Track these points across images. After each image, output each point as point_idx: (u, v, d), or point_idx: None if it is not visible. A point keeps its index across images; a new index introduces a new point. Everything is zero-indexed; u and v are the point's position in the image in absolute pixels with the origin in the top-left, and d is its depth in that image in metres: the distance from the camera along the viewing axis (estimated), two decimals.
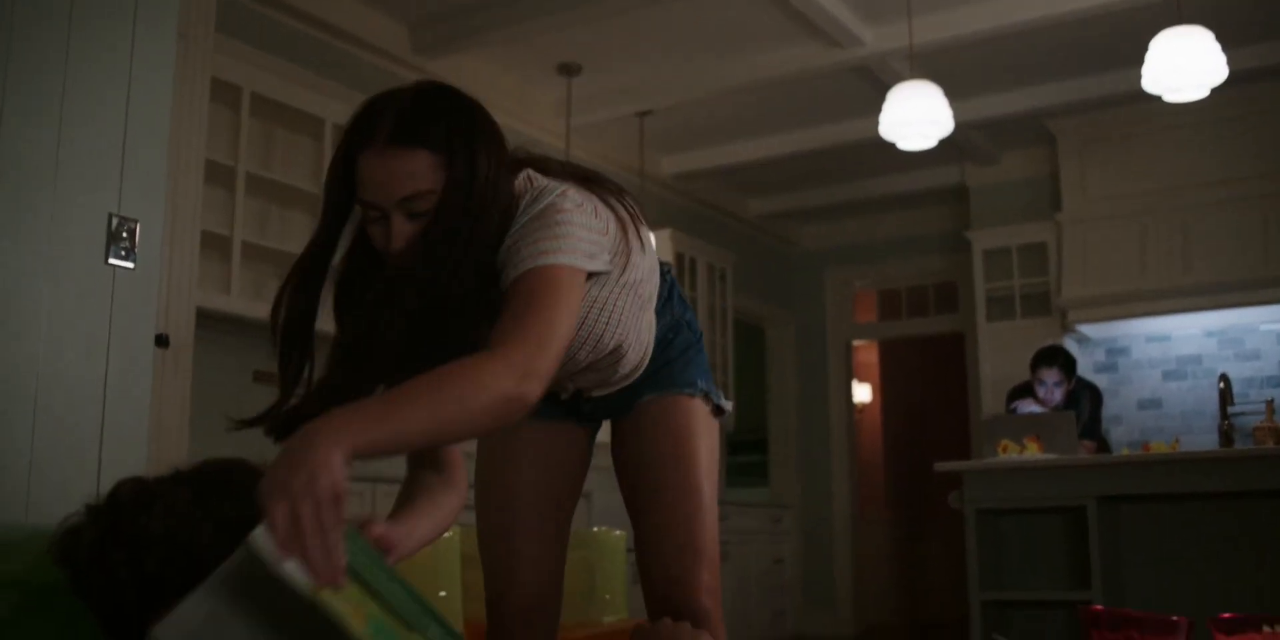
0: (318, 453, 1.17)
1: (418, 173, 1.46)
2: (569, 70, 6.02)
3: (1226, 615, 1.98)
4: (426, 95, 1.52)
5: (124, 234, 2.20)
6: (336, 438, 1.19)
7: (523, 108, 6.36)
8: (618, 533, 2.40)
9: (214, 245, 4.49)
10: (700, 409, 1.89)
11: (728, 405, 1.96)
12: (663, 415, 1.86)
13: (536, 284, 1.49)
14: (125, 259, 2.20)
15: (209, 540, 1.24)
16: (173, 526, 1.23)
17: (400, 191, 1.46)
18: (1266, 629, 1.91)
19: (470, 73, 6.05)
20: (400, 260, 1.49)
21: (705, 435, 1.87)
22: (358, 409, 1.26)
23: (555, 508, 1.93)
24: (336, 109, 5.07)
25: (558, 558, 1.92)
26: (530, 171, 1.64)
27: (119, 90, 2.26)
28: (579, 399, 1.90)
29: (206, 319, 4.26)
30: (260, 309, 4.71)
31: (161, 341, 3.38)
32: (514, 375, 1.35)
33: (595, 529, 2.45)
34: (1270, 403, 6.04)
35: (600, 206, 1.66)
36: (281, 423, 1.48)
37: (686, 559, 1.78)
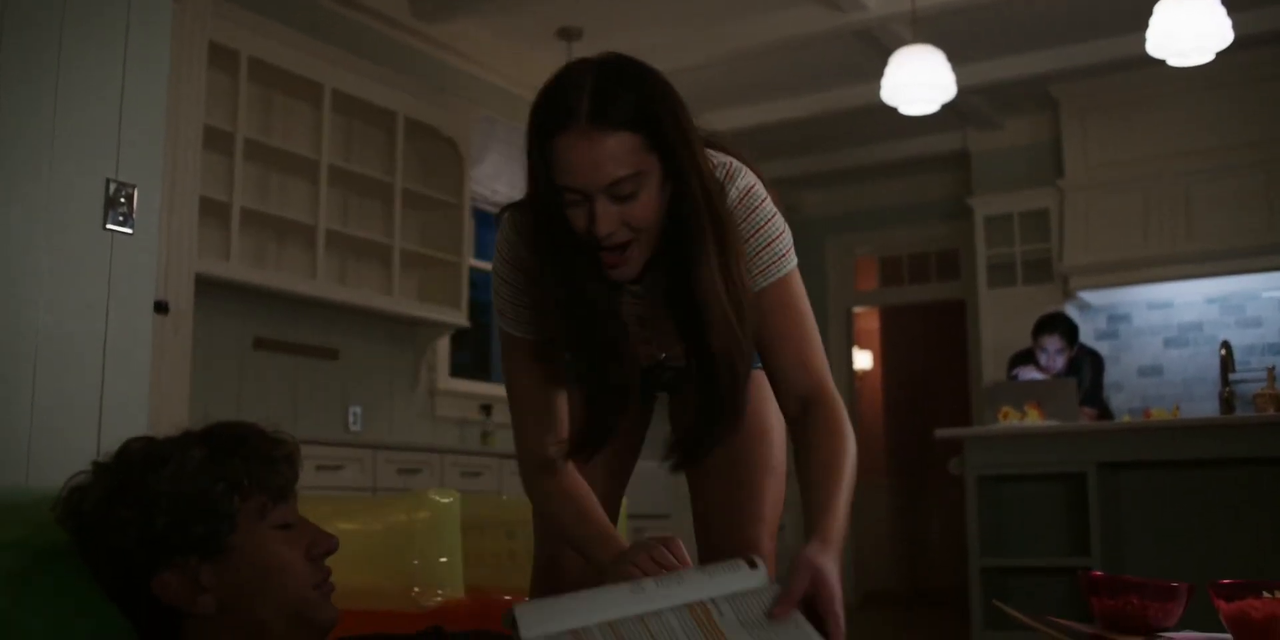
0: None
1: (623, 156, 1.40)
2: (569, 35, 5.98)
3: (1226, 581, 1.98)
4: (617, 71, 1.45)
5: (122, 199, 2.18)
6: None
7: (523, 73, 6.32)
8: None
9: (213, 211, 4.48)
10: (765, 381, 1.81)
11: None
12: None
13: (790, 296, 1.61)
14: (123, 225, 2.18)
15: (220, 500, 1.24)
16: (184, 485, 1.23)
17: (604, 178, 1.40)
18: (1267, 595, 1.91)
19: (470, 38, 6.01)
20: (617, 243, 1.45)
21: (774, 407, 1.82)
22: (842, 527, 1.48)
23: (611, 476, 1.87)
24: (335, 74, 5.04)
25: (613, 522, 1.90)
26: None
27: (115, 54, 2.24)
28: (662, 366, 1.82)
29: (206, 285, 4.25)
30: (260, 275, 4.72)
31: (161, 308, 3.38)
32: (846, 420, 1.60)
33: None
34: (1271, 370, 6.02)
35: (757, 179, 1.64)
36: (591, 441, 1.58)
37: (755, 527, 1.80)
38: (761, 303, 1.59)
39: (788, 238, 1.64)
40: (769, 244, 1.59)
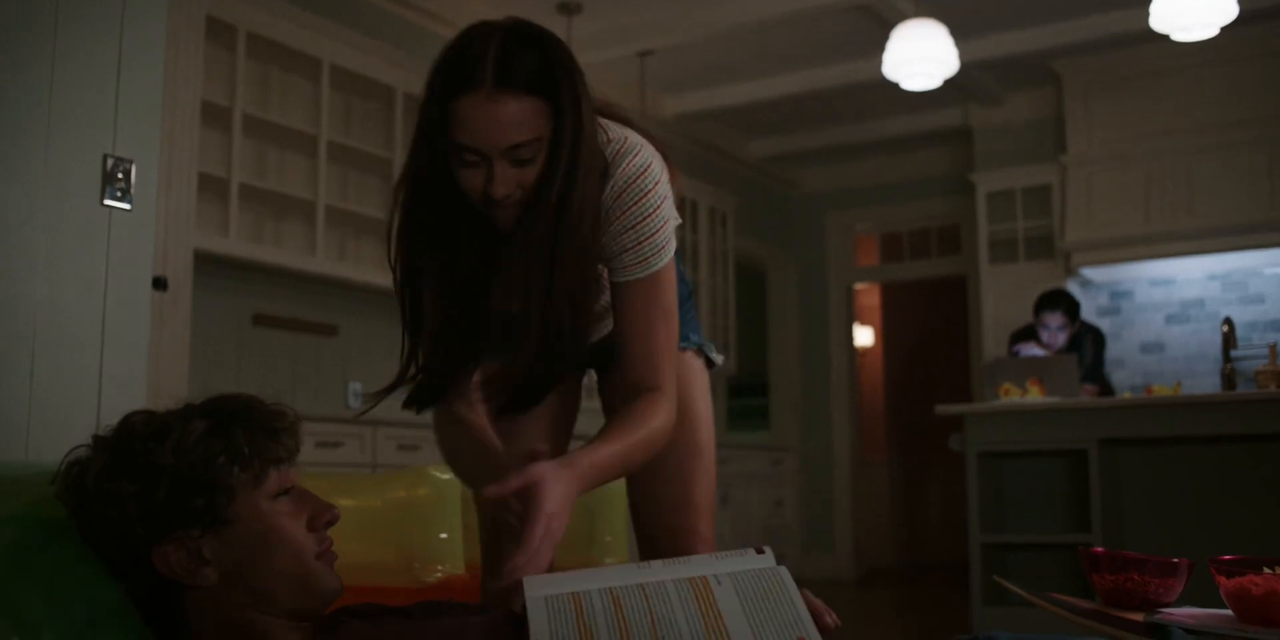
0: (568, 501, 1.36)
1: (526, 120, 1.42)
2: (569, 9, 5.94)
3: (1227, 557, 1.98)
4: (523, 36, 1.46)
5: (119, 175, 2.17)
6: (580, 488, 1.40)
7: None
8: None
9: (211, 187, 4.46)
10: (695, 363, 1.86)
11: (719, 359, 1.93)
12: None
13: (656, 292, 1.57)
14: (121, 200, 2.17)
15: (221, 472, 1.24)
16: (185, 458, 1.23)
17: (508, 139, 1.42)
18: (1267, 570, 1.91)
19: (469, 11, 5.97)
20: (505, 211, 1.47)
21: (701, 389, 1.84)
22: (600, 466, 1.44)
23: (553, 420, 1.84)
24: (334, 49, 5.01)
25: None
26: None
27: (112, 29, 2.22)
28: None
29: (205, 262, 4.24)
30: (259, 251, 4.70)
31: (159, 284, 3.37)
32: (673, 413, 1.57)
33: None
34: (1273, 346, 6.02)
35: (658, 158, 1.61)
36: (419, 398, 1.62)
37: (684, 512, 1.79)
38: (626, 293, 1.58)
39: (670, 229, 1.60)
40: (649, 237, 1.56)
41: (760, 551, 1.31)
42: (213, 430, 1.26)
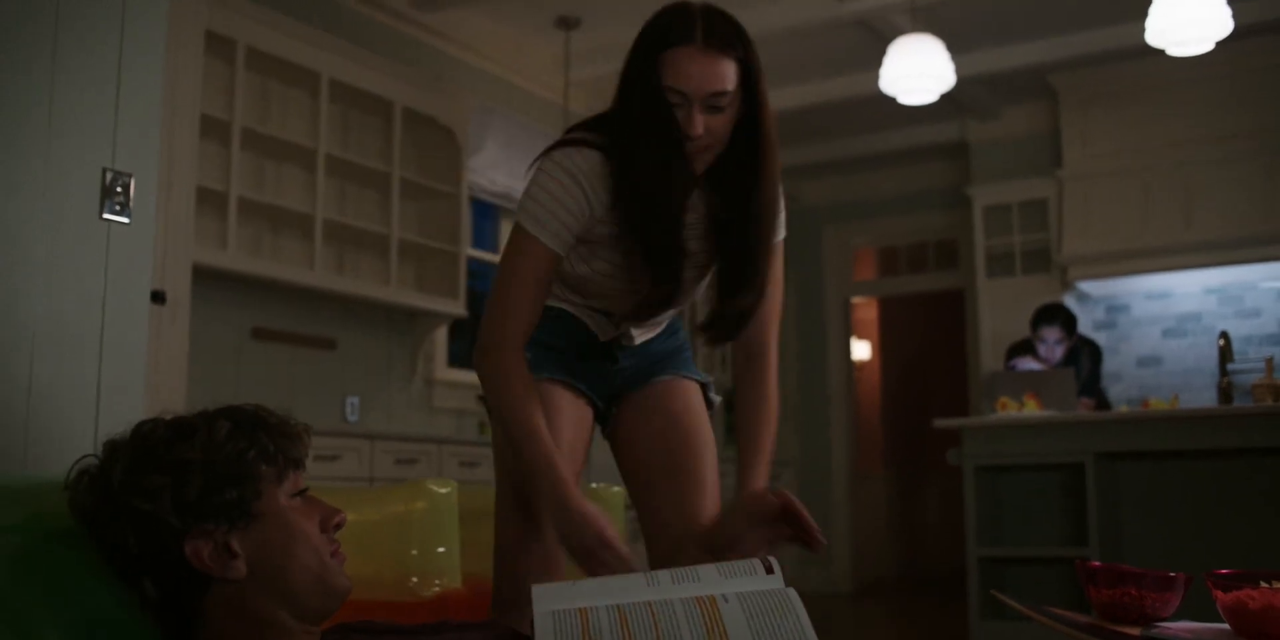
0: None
1: (726, 76, 1.74)
2: (567, 23, 5.96)
3: (1224, 571, 1.98)
4: (729, 17, 1.81)
5: (118, 188, 2.18)
6: None
7: (521, 62, 6.31)
8: (616, 489, 2.40)
9: (210, 201, 4.47)
10: (701, 398, 2.10)
11: (716, 400, 2.13)
12: (682, 395, 2.04)
13: (778, 258, 1.95)
14: (120, 214, 2.18)
15: (252, 467, 1.27)
16: (215, 453, 1.26)
17: (710, 87, 1.73)
18: (1264, 585, 1.91)
19: (468, 26, 5.99)
20: (696, 153, 1.77)
21: (705, 416, 2.08)
22: (767, 467, 2.00)
23: (575, 451, 1.98)
24: (333, 63, 5.03)
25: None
26: None
27: (112, 42, 2.23)
28: (614, 355, 2.00)
29: (204, 275, 4.25)
30: (258, 265, 4.71)
31: (158, 298, 3.37)
32: (774, 369, 2.06)
33: (594, 485, 2.45)
34: (1270, 360, 6.02)
35: None
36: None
37: (699, 495, 1.96)
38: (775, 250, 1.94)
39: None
40: (780, 199, 1.93)
41: (769, 569, 1.31)
42: (239, 428, 1.30)
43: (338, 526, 1.34)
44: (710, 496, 1.97)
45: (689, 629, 1.20)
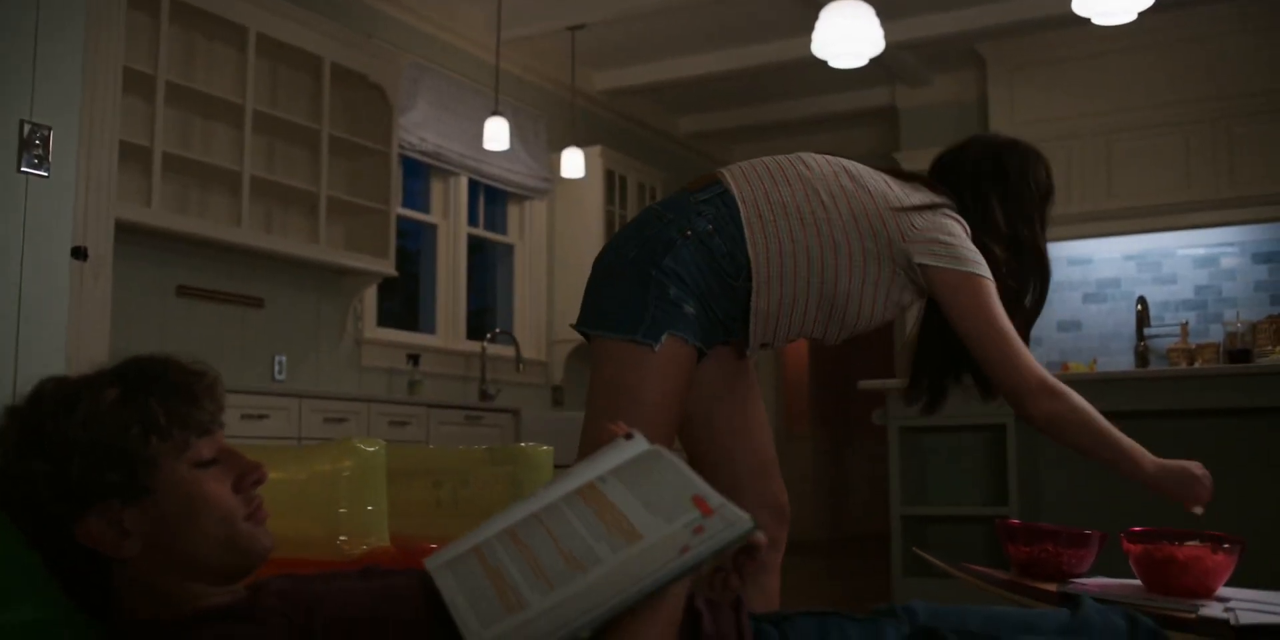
0: None
1: None
2: None
3: (1137, 529, 2.05)
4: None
5: (36, 141, 2.13)
6: None
7: (453, 21, 6.23)
8: (545, 448, 2.40)
9: (134, 156, 4.38)
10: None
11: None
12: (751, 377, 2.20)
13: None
14: (38, 168, 2.13)
15: (135, 444, 1.20)
16: (96, 431, 1.19)
17: None
18: (1176, 543, 1.97)
19: None
20: None
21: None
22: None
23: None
24: (260, 17, 4.93)
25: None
26: None
27: None
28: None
29: (127, 232, 4.17)
30: (183, 222, 4.63)
31: (79, 254, 3.31)
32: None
33: (524, 445, 2.46)
34: (1185, 325, 6.19)
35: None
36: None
37: (776, 475, 2.37)
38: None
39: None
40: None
41: (629, 436, 1.30)
42: (125, 399, 1.22)
43: (257, 483, 1.28)
44: (766, 445, 2.27)
45: (580, 521, 1.18)
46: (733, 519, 1.11)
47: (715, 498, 1.15)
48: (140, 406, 1.22)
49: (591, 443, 1.75)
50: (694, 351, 1.89)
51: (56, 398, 1.22)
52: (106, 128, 3.76)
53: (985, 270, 1.93)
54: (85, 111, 2.92)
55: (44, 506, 1.20)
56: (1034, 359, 2.00)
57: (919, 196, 1.98)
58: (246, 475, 1.27)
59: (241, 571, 1.27)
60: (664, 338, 1.84)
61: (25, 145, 2.12)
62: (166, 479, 1.22)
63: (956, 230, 1.94)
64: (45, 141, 2.14)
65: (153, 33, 4.51)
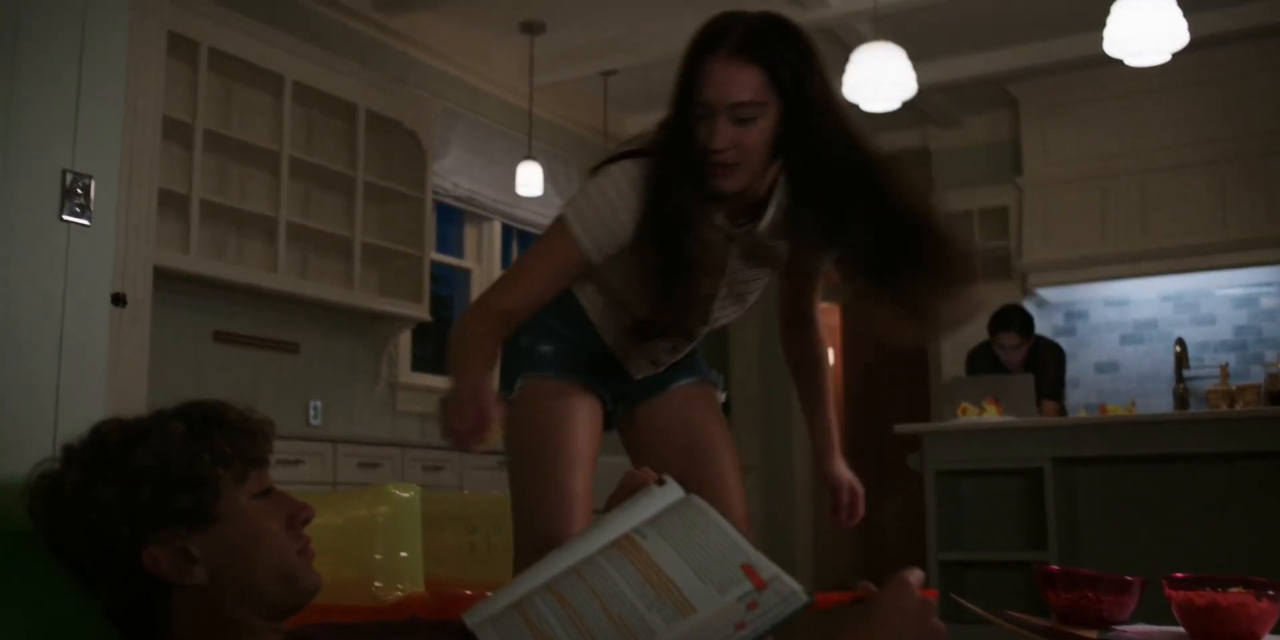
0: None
1: (746, 85, 1.66)
2: (532, 28, 5.96)
3: (1179, 575, 2.01)
4: (773, 23, 1.73)
5: (78, 190, 2.16)
6: None
7: (486, 67, 6.30)
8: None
9: (172, 203, 4.44)
10: (718, 402, 2.12)
11: (721, 396, 2.13)
12: (702, 402, 2.06)
13: None
14: (80, 216, 2.16)
15: (204, 471, 1.24)
16: (167, 458, 1.23)
17: (730, 97, 1.66)
18: (1219, 589, 1.94)
19: (432, 30, 5.98)
20: (719, 170, 1.69)
21: (726, 427, 2.11)
22: (835, 435, 2.38)
23: (592, 464, 1.96)
24: (296, 65, 5.00)
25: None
26: None
27: (73, 43, 2.21)
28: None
29: (165, 278, 4.21)
30: (220, 268, 4.68)
31: (118, 301, 3.34)
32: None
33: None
34: (1225, 367, 6.12)
35: None
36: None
37: (735, 482, 2.06)
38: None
39: None
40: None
41: (661, 482, 1.28)
42: (192, 431, 1.27)
43: (305, 522, 1.32)
44: (734, 506, 1.97)
45: (625, 582, 1.16)
46: (786, 593, 1.10)
47: (766, 568, 1.13)
48: (207, 437, 1.27)
49: (573, 496, 1.81)
50: (563, 385, 1.90)
51: (123, 433, 1.27)
52: (146, 176, 3.81)
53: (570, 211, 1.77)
54: (125, 160, 2.96)
55: (112, 533, 1.22)
56: (512, 291, 1.77)
57: None
58: (297, 513, 1.31)
59: (291, 607, 1.29)
60: (518, 384, 1.89)
61: (67, 194, 2.15)
62: (230, 508, 1.26)
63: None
64: (87, 190, 2.18)
65: (191, 81, 4.58)
